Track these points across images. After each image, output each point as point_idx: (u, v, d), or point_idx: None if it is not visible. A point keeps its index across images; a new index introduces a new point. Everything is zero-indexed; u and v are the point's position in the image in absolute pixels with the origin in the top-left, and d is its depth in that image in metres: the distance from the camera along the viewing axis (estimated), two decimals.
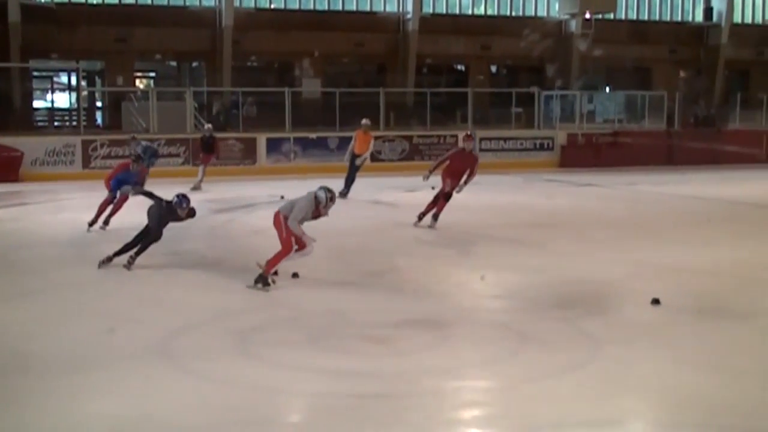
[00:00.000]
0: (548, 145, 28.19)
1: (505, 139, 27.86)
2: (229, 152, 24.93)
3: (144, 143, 19.67)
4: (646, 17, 42.07)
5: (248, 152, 25.44)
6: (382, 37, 37.11)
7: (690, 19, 42.45)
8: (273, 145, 25.69)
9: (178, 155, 24.53)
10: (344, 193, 19.14)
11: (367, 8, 37.58)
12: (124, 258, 11.37)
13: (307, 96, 32.89)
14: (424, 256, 12.89)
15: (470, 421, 6.73)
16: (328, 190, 10.54)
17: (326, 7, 37.00)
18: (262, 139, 25.67)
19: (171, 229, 12.20)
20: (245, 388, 7.13)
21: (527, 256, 12.85)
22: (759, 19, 44.08)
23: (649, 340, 8.50)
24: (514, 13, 39.89)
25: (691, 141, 29.71)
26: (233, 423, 6.46)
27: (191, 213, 11.50)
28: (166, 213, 11.35)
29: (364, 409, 6.71)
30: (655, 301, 9.69)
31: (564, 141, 28.39)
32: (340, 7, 37.27)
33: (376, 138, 26.36)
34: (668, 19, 42.31)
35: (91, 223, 14.31)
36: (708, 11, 41.80)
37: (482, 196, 20.29)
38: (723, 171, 25.98)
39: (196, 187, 19.82)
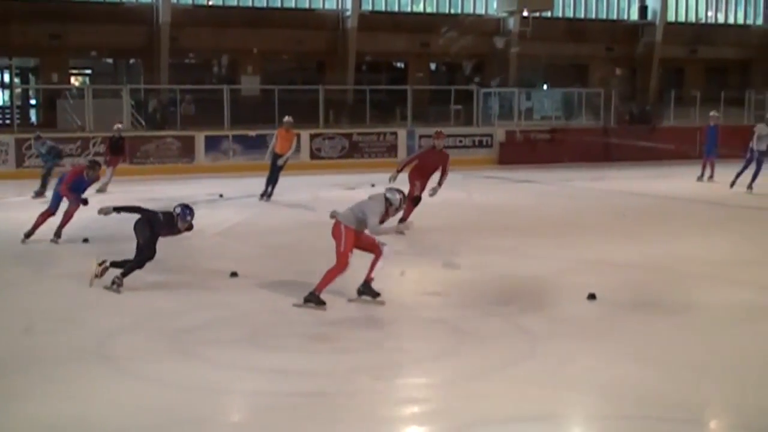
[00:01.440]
0: (487, 142, 28.39)
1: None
2: (166, 150, 24.68)
3: (49, 143, 19.09)
4: (582, 15, 42.55)
5: (186, 150, 25.19)
6: (321, 35, 37.02)
7: (625, 17, 43.04)
8: (211, 143, 25.48)
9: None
10: (266, 195, 18.54)
11: (306, 5, 37.46)
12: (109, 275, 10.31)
13: (246, 93, 32.70)
14: (365, 255, 12.86)
15: (410, 418, 6.76)
16: (398, 191, 9.85)
17: (265, 4, 36.78)
18: (200, 137, 25.45)
19: (106, 228, 12.05)
20: (183, 389, 7.07)
21: (466, 252, 12.92)
22: (692, 18, 44.86)
23: (585, 335, 8.62)
24: (453, 11, 40.07)
25: (627, 138, 30.14)
26: (171, 423, 6.40)
27: (190, 226, 10.53)
28: (162, 226, 10.27)
29: (304, 408, 6.70)
30: (591, 296, 9.82)
31: (503, 138, 28.61)
32: (279, 4, 37.09)
33: (316, 136, 26.42)
34: (604, 17, 42.84)
35: (28, 235, 13.23)
36: (643, 10, 42.42)
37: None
38: (658, 167, 26.39)
39: (102, 189, 18.82)
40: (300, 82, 34.09)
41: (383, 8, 38.93)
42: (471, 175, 24.93)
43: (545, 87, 39.87)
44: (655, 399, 6.87)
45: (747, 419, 6.64)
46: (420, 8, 40.12)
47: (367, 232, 9.55)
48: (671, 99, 34.02)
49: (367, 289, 9.65)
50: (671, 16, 43.20)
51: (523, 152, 28.13)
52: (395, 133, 27.40)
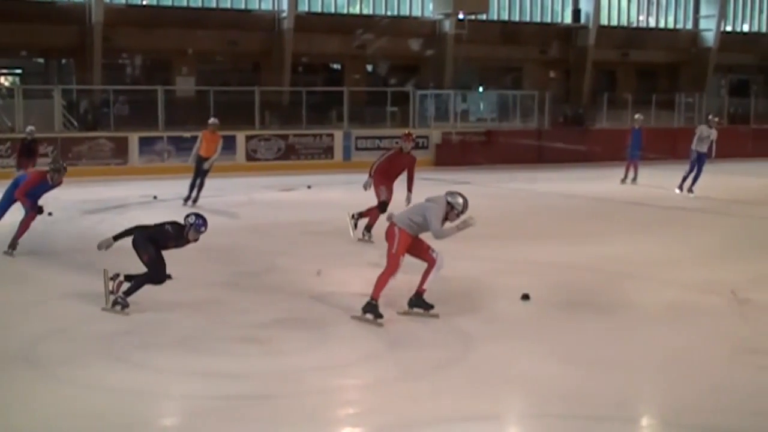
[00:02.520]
0: (423, 144, 28.47)
1: (380, 138, 28.02)
2: (99, 152, 24.34)
3: None
4: (517, 18, 42.90)
5: (119, 152, 24.87)
6: (257, 36, 36.78)
7: (559, 20, 43.50)
8: (146, 144, 25.19)
9: (46, 155, 23.77)
10: (190, 200, 17.71)
11: (242, 6, 37.19)
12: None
13: (180, 94, 32.38)
14: (303, 256, 12.86)
15: (346, 419, 6.77)
16: (459, 194, 9.35)
17: (200, 5, 36.42)
18: (134, 138, 25.14)
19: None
20: (114, 393, 6.99)
21: None
22: (624, 22, 45.56)
23: (518, 335, 8.72)
24: (389, 13, 40.15)
25: (561, 140, 30.53)
26: (102, 429, 6.32)
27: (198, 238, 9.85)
28: (170, 238, 9.54)
29: (239, 411, 6.66)
30: (525, 297, 9.94)
31: (438, 140, 28.77)
32: (215, 5, 36.77)
33: (251, 137, 26.28)
34: (538, 20, 43.26)
35: (12, 246, 12.16)
36: (576, 13, 42.91)
37: (357, 196, 20.37)
38: (590, 169, 26.77)
39: None
40: (235, 84, 33.80)
41: (319, 9, 38.84)
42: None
43: (481, 89, 40.16)
44: (586, 397, 6.98)
45: (674, 416, 6.78)
46: (356, 10, 40.12)
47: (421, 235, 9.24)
48: (604, 101, 34.52)
49: (419, 302, 9.24)
50: (604, 20, 43.79)
51: (458, 154, 28.31)
52: (332, 135, 27.38)
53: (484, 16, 39.91)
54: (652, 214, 17.71)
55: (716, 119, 21.27)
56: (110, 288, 9.41)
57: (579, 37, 42.70)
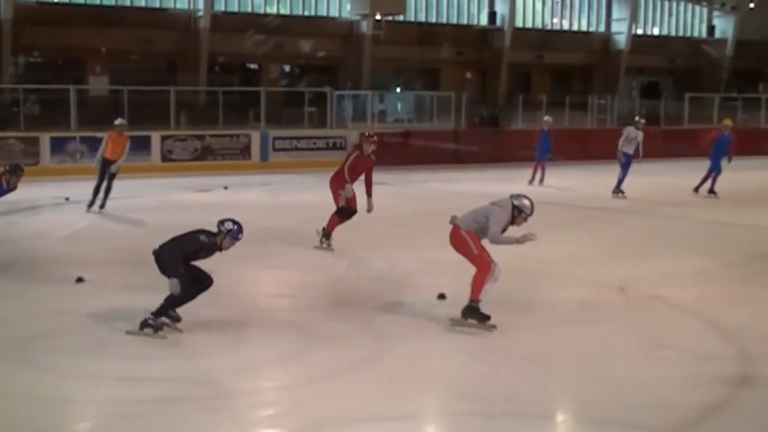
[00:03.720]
0: (340, 144, 28.49)
1: (297, 139, 27.97)
2: (8, 152, 23.76)
3: None
4: (434, 20, 43.25)
5: (30, 152, 24.30)
6: (172, 35, 36.38)
7: (475, 22, 43.97)
8: (57, 145, 24.65)
9: None
10: (94, 205, 16.89)
11: (157, 4, 36.76)
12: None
13: (94, 94, 31.82)
14: (218, 258, 12.70)
15: (261, 421, 6.77)
16: (526, 197, 9.14)
17: (114, 2, 35.90)
18: (45, 139, 24.59)
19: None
20: (28, 399, 6.85)
21: (320, 254, 12.97)
22: (539, 24, 46.28)
23: (434, 335, 8.79)
24: (306, 13, 40.09)
25: (477, 140, 30.85)
26: None
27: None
28: (203, 248, 8.72)
29: (155, 415, 6.60)
30: (441, 296, 10.02)
31: (356, 140, 28.74)
32: (129, 3, 36.27)
33: (167, 137, 25.95)
34: (455, 22, 43.68)
35: None
36: (492, 15, 43.44)
37: (276, 197, 20.37)
38: (506, 169, 27.07)
39: None
40: (150, 83, 33.36)
41: (236, 9, 38.59)
42: (324, 177, 24.95)
43: (398, 90, 40.37)
44: (501, 395, 7.09)
45: (585, 411, 6.94)
46: (273, 10, 39.96)
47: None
48: (519, 103, 34.97)
49: (474, 313, 8.87)
50: (519, 22, 44.42)
51: (376, 154, 28.32)
52: (249, 135, 27.19)
53: (401, 17, 40.16)
54: (564, 214, 18.00)
55: (643, 121, 21.60)
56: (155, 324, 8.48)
57: (495, 39, 43.24)
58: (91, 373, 7.47)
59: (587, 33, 47.08)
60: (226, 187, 21.30)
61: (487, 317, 8.78)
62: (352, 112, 31.76)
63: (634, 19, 46.21)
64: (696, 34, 50.20)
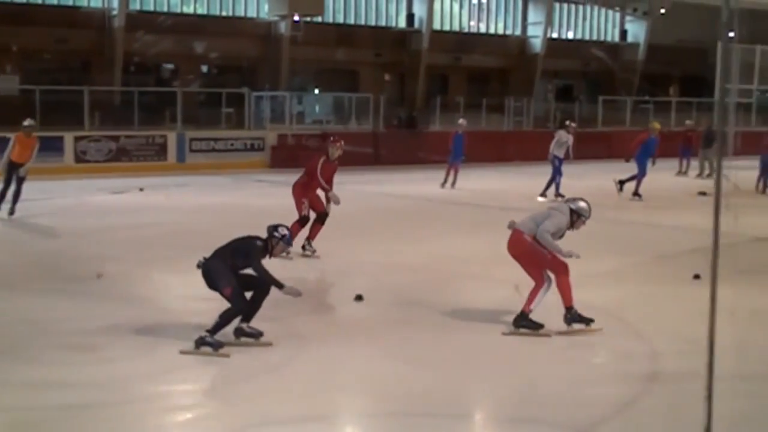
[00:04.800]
0: (259, 145, 28.34)
1: (215, 140, 27.71)
2: None
3: None
4: (352, 21, 43.32)
5: None
6: (86, 34, 35.71)
7: (394, 24, 44.17)
8: None
9: None
10: (3, 211, 16.01)
11: (70, 2, 36.06)
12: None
13: (3, 93, 31.02)
14: (133, 261, 12.56)
15: (177, 426, 6.70)
16: (583, 200, 9.00)
17: (25, 0, 35.10)
18: None
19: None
20: None
21: None
22: (456, 27, 46.69)
23: (352, 336, 8.81)
24: (224, 13, 39.77)
25: (396, 142, 30.98)
26: None
27: None
28: (259, 253, 8.32)
29: (64, 421, 6.48)
30: (359, 298, 10.04)
31: (274, 141, 28.66)
32: (41, 0, 35.52)
33: (81, 138, 25.46)
34: (373, 23, 43.80)
35: None
36: (410, 18, 43.70)
37: (192, 198, 20.19)
38: (424, 171, 27.22)
39: None
40: (64, 83, 32.65)
41: (152, 8, 38.08)
42: (242, 178, 24.89)
43: (316, 91, 40.32)
44: (419, 396, 7.13)
45: (503, 410, 7.04)
46: (190, 9, 39.54)
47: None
48: (437, 105, 35.22)
49: (526, 321, 8.77)
50: (437, 25, 44.75)
51: (294, 156, 28.23)
52: (165, 136, 26.84)
53: (319, 19, 40.11)
54: (480, 215, 18.20)
55: (573, 125, 21.86)
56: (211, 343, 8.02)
57: (413, 41, 43.50)
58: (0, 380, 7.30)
59: (504, 36, 47.67)
60: (141, 189, 21.02)
61: (541, 325, 8.71)
62: (270, 113, 31.65)
63: (549, 23, 46.94)
64: (609, 38, 51.23)
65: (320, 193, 12.92)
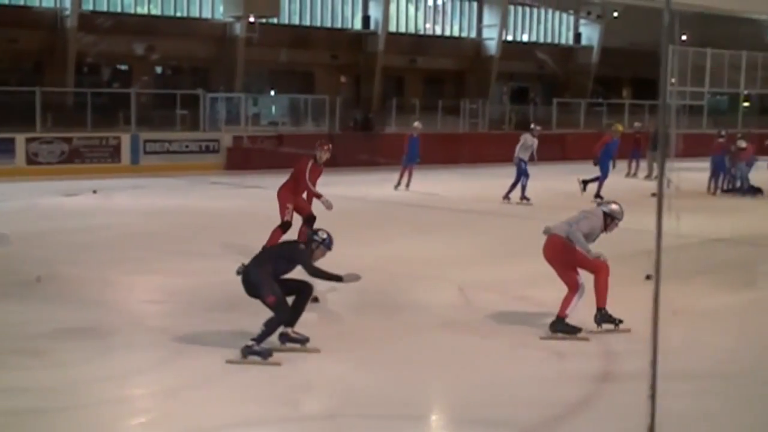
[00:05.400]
0: (214, 147, 28.17)
1: (169, 141, 27.50)
2: None
3: None
4: (308, 23, 43.27)
5: None
6: (38, 34, 35.30)
7: (349, 26, 44.20)
8: None
9: None
10: None
11: (21, 2, 35.60)
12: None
13: None
14: (86, 264, 12.43)
15: (134, 429, 6.63)
16: (615, 202, 9.18)
17: None
18: None
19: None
20: None
21: (191, 259, 12.80)
22: (412, 29, 46.83)
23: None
24: (178, 14, 39.52)
25: (351, 144, 30.94)
26: None
27: None
28: (300, 257, 8.21)
29: (20, 427, 6.39)
30: (314, 299, 10.01)
31: (230, 143, 28.51)
32: None
33: (32, 140, 25.13)
34: (329, 25, 43.79)
35: None
36: (366, 19, 43.76)
37: (146, 201, 20.02)
38: (380, 172, 27.24)
39: None
40: (15, 83, 32.21)
41: (105, 8, 37.73)
42: (197, 180, 24.74)
43: (272, 93, 40.20)
44: (375, 397, 7.14)
45: (459, 411, 7.07)
46: (144, 10, 39.24)
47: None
48: (392, 107, 35.28)
49: (562, 326, 8.80)
50: (393, 27, 44.85)
51: (250, 157, 28.17)
52: (118, 138, 26.57)
53: (275, 20, 40.00)
54: (434, 217, 18.28)
55: (538, 128, 21.89)
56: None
57: (369, 43, 43.56)
58: None
59: (459, 38, 47.89)
60: (95, 191, 20.81)
61: (579, 329, 8.78)
62: (226, 114, 31.47)
63: (504, 25, 47.25)
64: (564, 41, 51.70)
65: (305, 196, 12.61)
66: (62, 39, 35.51)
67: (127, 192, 21.25)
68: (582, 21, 51.11)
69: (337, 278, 8.19)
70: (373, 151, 29.98)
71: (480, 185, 23.86)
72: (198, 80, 36.37)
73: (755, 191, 22.86)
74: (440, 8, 47.83)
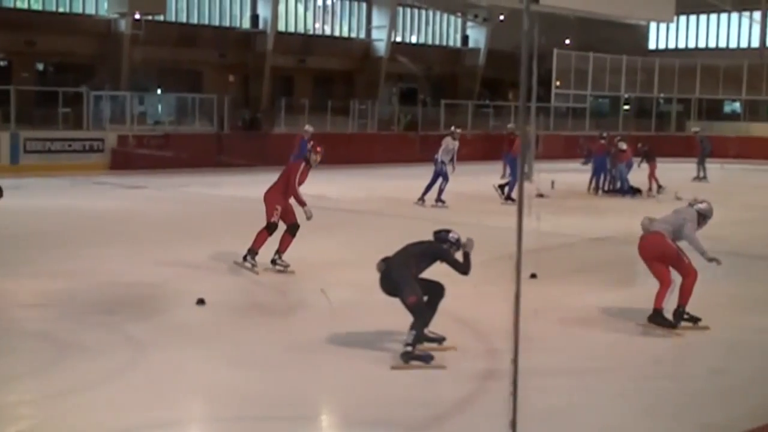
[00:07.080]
0: (98, 146, 27.57)
1: (51, 140, 26.78)
2: None
3: None
4: (195, 21, 42.72)
5: None
6: None
7: (238, 25, 43.82)
8: None
9: None
10: None
11: None
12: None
13: None
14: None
15: None
16: (705, 201, 9.48)
17: None
18: None
19: None
20: None
21: (71, 261, 12.51)
22: (301, 29, 46.73)
23: (193, 341, 8.70)
24: (60, 9, 38.53)
25: (240, 144, 30.75)
26: None
27: None
28: (444, 256, 8.29)
29: None
30: (200, 302, 9.94)
31: (115, 143, 27.96)
32: None
33: None
34: (217, 24, 43.32)
35: None
36: (254, 18, 43.44)
37: (29, 201, 19.44)
38: (268, 172, 26.99)
39: None
40: None
41: None
42: (81, 180, 24.20)
43: (159, 91, 39.56)
44: (261, 399, 7.13)
45: (350, 412, 7.12)
46: (24, 5, 38.12)
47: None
48: (282, 106, 35.15)
49: (660, 318, 9.21)
50: (282, 27, 44.66)
51: (135, 157, 27.69)
52: None
53: (161, 17, 39.36)
54: (325, 217, 18.25)
55: (459, 131, 21.87)
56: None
57: (257, 43, 43.28)
58: None
59: (348, 39, 48.02)
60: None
61: (674, 324, 9.22)
62: (110, 113, 30.86)
63: (393, 26, 47.57)
64: (452, 43, 52.36)
65: (292, 202, 12.33)
66: None
67: (6, 193, 20.56)
68: (469, 23, 51.87)
69: (468, 266, 8.38)
70: (261, 151, 29.80)
71: (369, 185, 24.03)
72: (82, 78, 35.47)
73: (635, 192, 23.60)
74: (329, 8, 47.87)
